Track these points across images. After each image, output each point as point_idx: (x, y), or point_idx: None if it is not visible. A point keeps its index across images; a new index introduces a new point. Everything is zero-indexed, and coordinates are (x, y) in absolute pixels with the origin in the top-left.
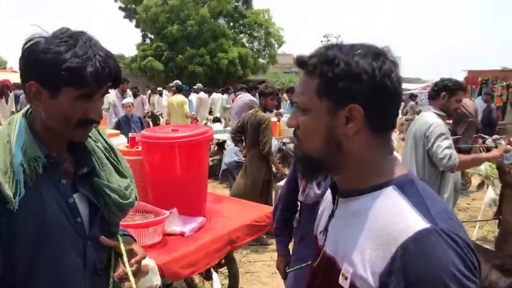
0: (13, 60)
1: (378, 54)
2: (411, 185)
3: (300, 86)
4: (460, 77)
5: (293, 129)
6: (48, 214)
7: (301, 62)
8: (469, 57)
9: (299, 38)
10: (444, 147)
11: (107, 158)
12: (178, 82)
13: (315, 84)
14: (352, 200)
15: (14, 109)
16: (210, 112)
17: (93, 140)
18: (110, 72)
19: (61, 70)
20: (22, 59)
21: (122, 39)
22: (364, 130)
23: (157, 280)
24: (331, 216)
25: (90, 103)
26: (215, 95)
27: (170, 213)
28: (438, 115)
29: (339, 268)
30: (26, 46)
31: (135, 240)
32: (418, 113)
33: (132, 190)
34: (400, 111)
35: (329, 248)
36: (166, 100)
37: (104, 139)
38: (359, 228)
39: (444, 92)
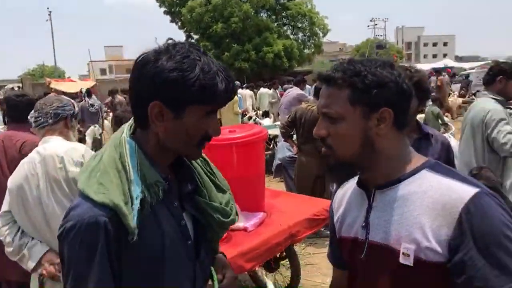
0: (70, 69)
1: (391, 65)
2: (439, 165)
3: (327, 98)
4: None
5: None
6: (166, 241)
7: (325, 77)
8: None
9: (344, 24)
10: (506, 132)
11: (205, 173)
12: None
13: (345, 94)
14: (391, 189)
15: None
16: (258, 108)
17: None
18: (234, 86)
19: (192, 89)
20: (140, 80)
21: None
22: (392, 129)
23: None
24: (368, 210)
25: (210, 119)
26: (262, 90)
27: None
28: (497, 100)
29: (395, 250)
30: (144, 65)
31: (225, 256)
32: (474, 94)
33: (232, 205)
34: (456, 93)
35: (377, 238)
36: None
37: None
38: (409, 209)
39: (501, 76)
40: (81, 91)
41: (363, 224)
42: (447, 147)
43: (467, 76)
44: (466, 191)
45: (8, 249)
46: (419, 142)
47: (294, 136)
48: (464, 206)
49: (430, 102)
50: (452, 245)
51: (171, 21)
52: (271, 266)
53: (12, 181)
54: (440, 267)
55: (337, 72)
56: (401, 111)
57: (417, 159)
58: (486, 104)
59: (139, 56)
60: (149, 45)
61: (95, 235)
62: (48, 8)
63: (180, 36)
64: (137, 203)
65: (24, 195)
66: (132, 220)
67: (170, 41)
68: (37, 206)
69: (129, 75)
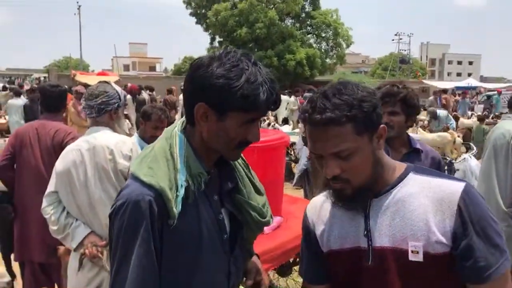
0: (94, 63)
1: (360, 84)
2: (420, 168)
3: (332, 139)
4: None
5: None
6: (203, 231)
7: (323, 121)
8: None
9: (368, 37)
10: None
11: (246, 175)
12: None
13: (350, 129)
14: (385, 196)
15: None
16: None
17: None
18: (277, 98)
19: (235, 96)
20: (192, 81)
21: (193, 41)
22: (383, 141)
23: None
24: (366, 219)
25: (252, 126)
26: (282, 97)
27: None
28: None
29: (403, 250)
30: (197, 68)
31: (258, 256)
32: (497, 116)
33: (268, 208)
34: (475, 114)
35: (382, 242)
36: None
37: (241, 156)
38: (409, 210)
39: None
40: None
41: (365, 232)
42: (437, 162)
43: (489, 97)
44: (456, 186)
45: (53, 227)
46: (408, 156)
47: None
48: (460, 198)
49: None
50: (458, 234)
51: (197, 23)
52: (284, 270)
53: (60, 164)
54: (446, 257)
55: (332, 111)
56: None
57: (400, 165)
58: (511, 126)
59: (195, 59)
60: (174, 45)
61: (141, 212)
62: (77, 2)
63: (204, 37)
64: (181, 190)
65: (72, 180)
66: (175, 205)
67: (226, 49)
68: (83, 191)
69: (151, 72)
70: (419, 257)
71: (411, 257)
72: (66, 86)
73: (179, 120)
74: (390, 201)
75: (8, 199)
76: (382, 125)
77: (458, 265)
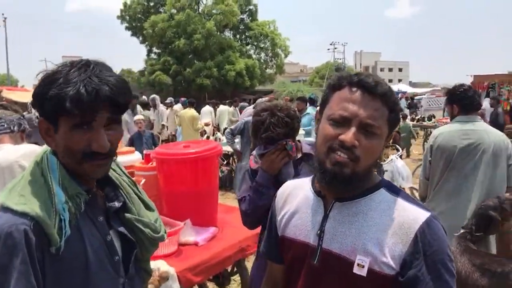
0: (23, 78)
1: None
2: (392, 185)
3: (373, 110)
4: (466, 81)
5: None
6: (89, 254)
7: (378, 90)
8: (475, 61)
9: (305, 47)
10: None
11: (134, 192)
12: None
13: (386, 113)
14: (350, 203)
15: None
16: (218, 125)
17: (118, 174)
18: (97, 97)
19: (45, 100)
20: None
21: (129, 53)
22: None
23: (176, 286)
24: (324, 219)
25: (91, 133)
26: (222, 107)
27: (184, 224)
28: None
29: (350, 261)
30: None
31: None
32: (421, 119)
33: (160, 223)
34: (409, 117)
35: (332, 246)
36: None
37: (125, 174)
38: (367, 224)
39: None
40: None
41: (318, 232)
42: None
43: (412, 98)
44: (420, 214)
45: None
46: (300, 161)
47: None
48: (419, 227)
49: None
50: (407, 262)
51: (132, 35)
52: (222, 281)
53: None
54: (389, 279)
55: (384, 88)
56: None
57: (374, 177)
58: (498, 132)
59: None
60: (107, 57)
61: (15, 243)
62: (3, 14)
63: (142, 49)
64: (66, 214)
65: None
66: (56, 231)
67: (79, 59)
68: None
69: None
70: (363, 272)
71: (355, 270)
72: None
73: None
74: (352, 210)
75: None
76: (394, 132)
77: None
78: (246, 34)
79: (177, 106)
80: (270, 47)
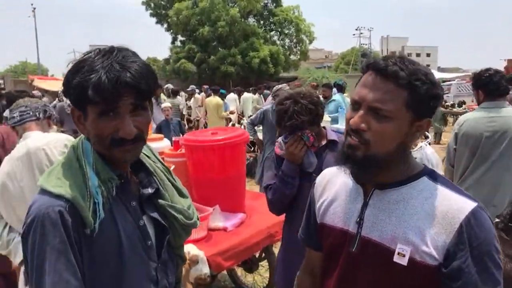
0: (53, 67)
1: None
2: (436, 174)
3: (382, 93)
4: (499, 66)
5: None
6: (123, 238)
7: (386, 70)
8: (509, 44)
9: (330, 32)
10: None
11: (168, 179)
12: (170, 85)
13: (404, 96)
14: (391, 190)
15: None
16: (242, 112)
17: (152, 161)
18: (118, 84)
19: (71, 88)
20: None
21: (155, 41)
22: (419, 135)
23: (206, 269)
24: (364, 206)
25: (116, 120)
26: (246, 94)
27: (213, 210)
28: None
29: (390, 249)
30: None
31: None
32: (452, 105)
33: (193, 209)
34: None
35: (372, 234)
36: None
37: (160, 161)
38: (408, 213)
39: None
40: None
41: (358, 219)
42: None
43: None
44: (466, 204)
45: None
46: (325, 148)
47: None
48: (465, 218)
49: None
50: (451, 252)
51: (157, 23)
52: (250, 266)
53: None
54: (431, 270)
55: (398, 69)
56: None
57: (416, 165)
58: None
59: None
60: (136, 46)
61: (53, 224)
62: (32, 5)
63: (166, 36)
64: (99, 197)
65: (9, 192)
66: (92, 213)
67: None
68: (22, 202)
69: None
70: (404, 261)
71: (396, 258)
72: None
73: None
74: (393, 198)
75: None
76: (428, 119)
77: (444, 283)
78: (270, 20)
79: (199, 95)
80: (294, 33)
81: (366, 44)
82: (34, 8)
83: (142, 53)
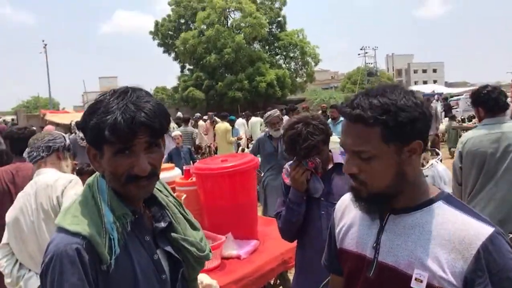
0: (64, 100)
1: (410, 92)
2: (452, 198)
3: (357, 137)
4: (506, 78)
5: None
6: (138, 273)
7: (352, 116)
8: None
9: (335, 53)
10: None
11: (179, 212)
12: (180, 114)
13: (377, 133)
14: (407, 216)
15: None
16: (251, 136)
17: (164, 195)
18: (133, 124)
19: (88, 129)
20: None
21: (163, 71)
22: (418, 157)
23: None
24: (380, 231)
25: (131, 158)
26: (254, 119)
27: (226, 237)
28: None
29: (407, 274)
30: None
31: None
32: (462, 120)
33: (205, 242)
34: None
35: (388, 259)
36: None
37: (171, 195)
38: (424, 238)
39: None
40: (70, 124)
41: (374, 244)
42: None
43: (446, 98)
44: (483, 229)
45: (7, 280)
46: (332, 170)
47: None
48: (482, 244)
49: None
50: (468, 279)
51: (164, 52)
52: None
53: (8, 214)
54: None
55: (364, 110)
56: (426, 138)
57: (432, 189)
58: None
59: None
60: (144, 76)
61: (70, 262)
62: (43, 41)
63: (174, 65)
64: (114, 233)
65: (20, 228)
66: (107, 249)
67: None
68: (33, 238)
69: None
70: (421, 287)
71: (413, 284)
72: (34, 128)
73: None
74: (408, 222)
75: None
76: (417, 141)
77: None
78: (275, 44)
79: (204, 123)
80: (299, 56)
81: (371, 63)
82: (45, 45)
83: (150, 83)
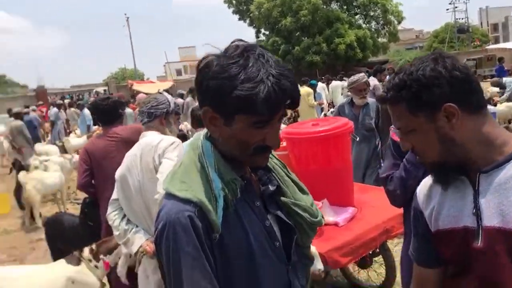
0: (148, 71)
1: (435, 59)
2: None
3: (394, 115)
4: None
5: None
6: (251, 240)
7: (381, 99)
8: None
9: (420, 10)
10: None
11: (286, 175)
12: None
13: (403, 108)
14: (497, 171)
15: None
16: (332, 101)
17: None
18: (284, 95)
19: (230, 98)
20: (196, 82)
21: (240, 36)
22: (464, 118)
23: (320, 265)
24: (475, 196)
25: (266, 129)
26: (334, 83)
27: (322, 203)
28: None
29: None
30: (200, 68)
31: None
32: None
33: (316, 207)
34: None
35: (493, 222)
36: None
37: (275, 156)
38: None
39: None
40: (158, 92)
41: (473, 211)
42: None
43: None
44: None
45: (115, 233)
46: None
47: None
48: None
49: None
50: None
51: (239, 19)
52: (364, 262)
53: (118, 172)
54: None
55: (388, 91)
56: (465, 98)
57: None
58: None
59: (202, 59)
60: (221, 43)
61: (184, 229)
62: (125, 14)
63: (249, 32)
64: (220, 200)
65: (127, 186)
66: (217, 216)
67: (232, 44)
68: (138, 196)
69: None
70: None
71: None
72: (117, 97)
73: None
74: (502, 177)
75: (98, 206)
76: (448, 104)
77: None
78: (354, 3)
79: None
80: (381, 15)
81: (462, 19)
82: (128, 18)
83: None
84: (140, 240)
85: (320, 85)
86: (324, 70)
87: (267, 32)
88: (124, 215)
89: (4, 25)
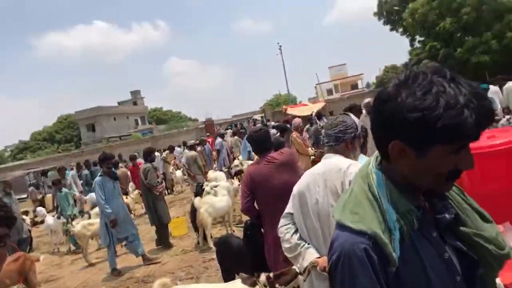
0: (300, 94)
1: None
2: None
3: None
4: None
5: None
6: (430, 274)
7: None
8: None
9: None
10: None
11: (464, 201)
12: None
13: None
14: None
15: None
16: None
17: None
18: (489, 115)
19: (435, 129)
20: (380, 116)
21: (390, 49)
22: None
23: None
24: None
25: (460, 155)
26: (509, 84)
27: (504, 227)
28: None
29: None
30: (383, 101)
31: None
32: None
33: (503, 237)
34: None
35: None
36: None
37: None
38: None
39: None
40: (311, 114)
41: None
42: None
43: None
44: None
45: (285, 245)
46: None
47: None
48: None
49: None
50: None
51: (391, 30)
52: None
53: (296, 187)
54: None
55: None
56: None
57: None
58: None
59: (380, 91)
60: (372, 58)
61: (359, 262)
62: (278, 43)
63: (402, 42)
64: (396, 233)
65: (304, 202)
66: (394, 250)
67: (411, 71)
68: (314, 214)
69: (353, 91)
70: None
71: None
72: (267, 126)
73: (373, 156)
74: None
75: (258, 227)
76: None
77: None
78: None
79: None
80: None
81: None
82: (280, 46)
83: (379, 63)
84: (312, 256)
85: (493, 89)
86: (494, 71)
87: (422, 38)
88: (296, 230)
89: (177, 69)
